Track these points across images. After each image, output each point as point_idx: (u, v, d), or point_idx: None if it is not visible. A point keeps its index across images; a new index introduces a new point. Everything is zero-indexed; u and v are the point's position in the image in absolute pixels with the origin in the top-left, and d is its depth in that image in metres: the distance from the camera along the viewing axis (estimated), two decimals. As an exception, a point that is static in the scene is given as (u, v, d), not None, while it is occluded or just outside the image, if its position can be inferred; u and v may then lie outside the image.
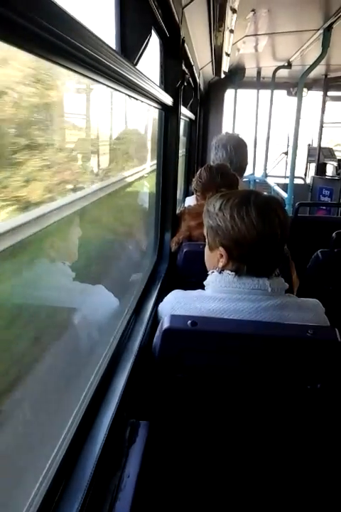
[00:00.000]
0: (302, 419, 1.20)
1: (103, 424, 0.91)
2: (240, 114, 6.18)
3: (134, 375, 1.15)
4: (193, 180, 2.13)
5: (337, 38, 3.46)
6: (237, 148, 2.56)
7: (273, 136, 6.26)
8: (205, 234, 1.33)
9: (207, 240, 1.33)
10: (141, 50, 1.11)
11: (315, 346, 1.16)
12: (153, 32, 1.47)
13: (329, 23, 3.16)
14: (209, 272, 1.32)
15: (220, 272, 1.26)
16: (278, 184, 5.49)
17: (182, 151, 3.79)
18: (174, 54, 1.84)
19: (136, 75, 1.06)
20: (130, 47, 1.08)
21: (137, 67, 1.13)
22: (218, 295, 1.24)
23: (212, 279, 1.28)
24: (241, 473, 1.26)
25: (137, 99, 1.27)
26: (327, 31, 3.31)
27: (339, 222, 3.04)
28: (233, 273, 1.23)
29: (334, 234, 2.05)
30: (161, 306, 1.39)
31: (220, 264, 1.25)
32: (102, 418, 0.93)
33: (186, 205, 2.61)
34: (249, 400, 1.21)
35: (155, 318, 1.45)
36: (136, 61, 1.10)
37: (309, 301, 1.31)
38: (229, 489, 1.26)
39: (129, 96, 1.21)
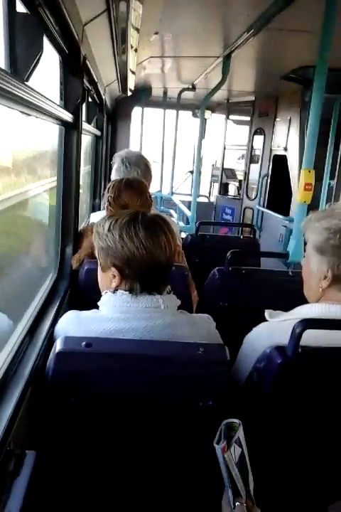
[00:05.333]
0: (195, 437, 1.23)
1: (-16, 458, 0.85)
2: (147, 132, 6.31)
3: (24, 402, 1.10)
4: (106, 193, 2.03)
5: (236, 66, 3.69)
6: (148, 168, 2.54)
7: (180, 155, 6.46)
8: (97, 255, 1.33)
9: (99, 261, 1.33)
10: (32, 66, 1.08)
11: (206, 364, 1.19)
12: (50, 48, 1.45)
13: (228, 51, 3.35)
14: (103, 293, 1.31)
15: (114, 292, 1.26)
16: (183, 202, 5.66)
17: (87, 167, 3.75)
18: (74, 71, 1.82)
19: (27, 91, 1.03)
20: (20, 63, 1.05)
21: (30, 83, 1.10)
22: (113, 315, 1.24)
23: (107, 300, 1.27)
24: (139, 494, 1.25)
25: (29, 115, 1.23)
26: (227, 59, 3.50)
27: (237, 241, 3.19)
28: (127, 292, 1.24)
29: (229, 253, 2.13)
30: (56, 328, 1.36)
31: (113, 284, 1.26)
32: (-16, 451, 0.87)
33: (91, 221, 2.57)
34: (142, 419, 1.21)
35: (51, 340, 1.40)
36: (26, 77, 1.07)
37: (199, 316, 1.36)
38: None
39: (22, 113, 1.17)
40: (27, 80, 1.08)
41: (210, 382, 1.20)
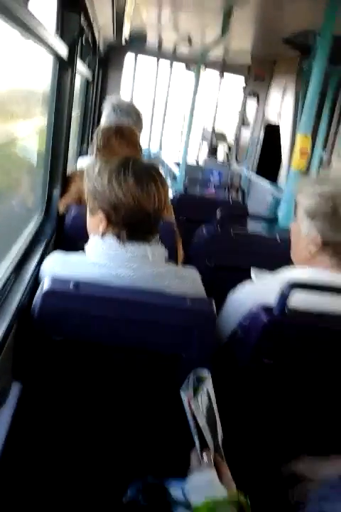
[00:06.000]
0: (176, 385, 1.25)
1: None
2: (139, 81, 6.14)
3: (9, 338, 1.09)
4: (95, 139, 1.97)
5: (235, 24, 3.57)
6: (140, 118, 2.48)
7: (171, 112, 6.34)
8: (86, 198, 1.31)
9: (87, 204, 1.31)
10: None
11: (192, 316, 1.20)
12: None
13: (229, 6, 3.24)
14: (91, 236, 1.30)
15: (101, 237, 1.25)
16: (173, 162, 5.59)
17: (77, 111, 3.63)
18: (72, 4, 1.73)
19: (26, 14, 0.97)
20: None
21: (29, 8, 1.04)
22: (99, 261, 1.23)
23: (94, 244, 1.26)
24: (114, 435, 1.27)
25: (29, 39, 1.17)
26: (227, 15, 3.39)
27: (224, 203, 3.18)
28: (115, 238, 1.23)
29: (217, 211, 2.12)
30: (42, 268, 1.34)
31: (101, 229, 1.24)
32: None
33: (78, 166, 2.51)
34: (125, 364, 1.22)
35: (37, 279, 1.38)
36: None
37: (187, 269, 1.36)
38: (102, 450, 1.27)
39: (22, 34, 1.11)
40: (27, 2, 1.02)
41: (195, 334, 1.20)
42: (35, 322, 1.15)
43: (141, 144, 2.20)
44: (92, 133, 2.37)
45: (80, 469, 1.25)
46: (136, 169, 1.21)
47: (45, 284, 1.15)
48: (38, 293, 1.16)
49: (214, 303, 1.23)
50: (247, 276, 1.45)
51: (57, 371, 1.20)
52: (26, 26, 1.06)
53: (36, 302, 1.16)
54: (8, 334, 1.08)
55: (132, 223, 1.22)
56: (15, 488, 1.05)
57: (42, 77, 1.94)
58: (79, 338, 1.18)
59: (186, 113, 5.75)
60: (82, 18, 2.08)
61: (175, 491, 0.96)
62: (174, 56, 5.59)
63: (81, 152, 3.55)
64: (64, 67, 1.83)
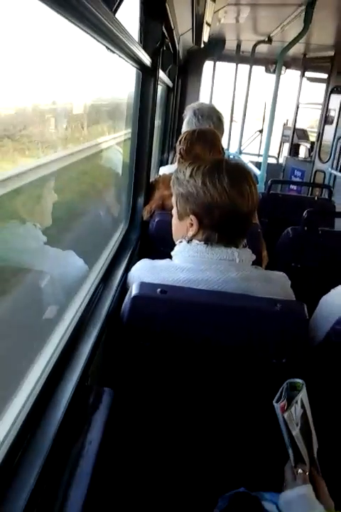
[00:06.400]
0: (266, 393, 1.21)
1: (66, 390, 0.87)
2: (217, 87, 6.13)
3: (100, 342, 1.12)
4: (178, 145, 1.99)
5: (319, 16, 3.41)
6: (221, 122, 2.45)
7: (249, 113, 6.24)
8: (174, 202, 1.30)
9: (176, 209, 1.30)
10: (120, -2, 1.03)
11: (283, 320, 1.16)
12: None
13: None
14: (177, 242, 1.29)
15: (188, 242, 1.23)
16: (251, 162, 5.50)
17: (157, 120, 3.70)
18: (155, 13, 1.75)
19: (114, 24, 0.99)
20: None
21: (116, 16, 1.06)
22: (186, 265, 1.22)
23: (180, 249, 1.26)
24: (204, 443, 1.26)
25: (114, 52, 1.20)
26: (310, 7, 3.25)
27: (310, 202, 3.06)
28: (202, 242, 1.21)
29: (305, 212, 2.04)
30: (129, 275, 1.36)
31: (190, 233, 1.23)
32: (66, 383, 0.89)
33: (160, 174, 2.54)
34: (213, 370, 1.20)
35: (124, 286, 1.41)
36: (114, 8, 1.03)
37: (275, 273, 1.31)
38: (192, 458, 1.26)
39: (107, 48, 1.14)
40: (115, 13, 1.04)
41: (286, 339, 1.16)
42: (124, 328, 1.17)
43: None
44: (173, 142, 2.37)
45: (170, 477, 1.25)
46: (229, 169, 1.20)
47: (134, 290, 1.17)
48: (127, 299, 1.18)
49: (305, 307, 1.18)
50: (336, 276, 1.38)
51: (147, 376, 1.21)
52: (114, 37, 1.08)
53: (125, 308, 1.18)
54: (99, 341, 1.11)
55: (224, 225, 1.20)
56: (107, 492, 1.07)
57: (123, 87, 1.99)
58: (168, 343, 1.18)
59: (266, 112, 5.61)
60: (163, 27, 2.11)
61: (269, 504, 0.92)
62: (253, 58, 5.49)
63: (162, 161, 3.60)
64: (146, 77, 1.85)
